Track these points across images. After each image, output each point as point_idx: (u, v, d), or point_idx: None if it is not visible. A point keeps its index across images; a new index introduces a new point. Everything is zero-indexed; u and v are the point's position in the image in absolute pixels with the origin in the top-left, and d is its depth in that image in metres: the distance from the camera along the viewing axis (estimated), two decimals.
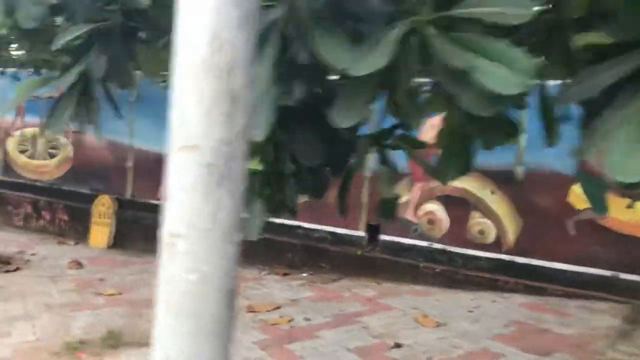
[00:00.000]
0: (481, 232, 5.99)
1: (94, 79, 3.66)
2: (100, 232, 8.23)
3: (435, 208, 6.24)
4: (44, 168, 9.21)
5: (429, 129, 5.65)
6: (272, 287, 6.14)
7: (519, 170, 5.78)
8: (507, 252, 5.86)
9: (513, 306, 5.28)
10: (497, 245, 5.91)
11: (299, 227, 7.01)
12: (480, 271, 5.94)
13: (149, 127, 8.15)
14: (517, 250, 5.80)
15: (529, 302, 5.36)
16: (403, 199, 6.40)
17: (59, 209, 8.88)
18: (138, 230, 8.14)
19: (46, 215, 9.02)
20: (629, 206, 5.33)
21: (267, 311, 5.24)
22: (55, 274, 6.51)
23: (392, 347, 4.26)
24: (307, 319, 4.98)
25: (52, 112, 4.05)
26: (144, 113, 8.15)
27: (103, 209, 8.26)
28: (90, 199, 8.50)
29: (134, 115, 8.21)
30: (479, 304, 5.35)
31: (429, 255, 6.24)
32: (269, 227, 7.05)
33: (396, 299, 5.61)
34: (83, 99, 3.99)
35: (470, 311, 5.15)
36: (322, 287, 6.16)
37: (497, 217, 5.90)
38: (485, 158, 5.50)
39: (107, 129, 8.27)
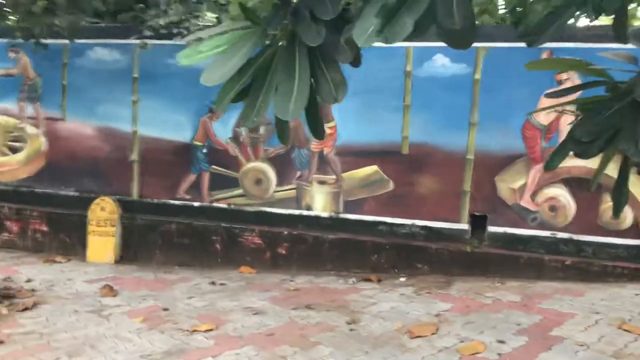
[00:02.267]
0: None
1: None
2: (102, 243, 6.54)
3: (558, 192, 5.48)
4: (4, 166, 7.20)
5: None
6: (387, 299, 5.04)
7: None
8: None
9: None
10: (635, 231, 5.30)
11: (380, 222, 5.93)
12: (618, 260, 5.30)
13: (158, 110, 6.57)
14: None
15: None
16: (518, 184, 5.58)
17: (33, 217, 6.99)
18: (152, 238, 6.58)
19: (12, 226, 7.08)
20: None
21: (432, 334, 4.18)
22: (95, 307, 4.92)
23: None
24: (501, 341, 4.00)
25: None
26: (151, 91, 6.56)
27: (104, 214, 6.56)
28: (79, 202, 6.74)
29: (137, 95, 6.60)
30: None
31: (553, 246, 5.48)
32: (342, 224, 5.93)
33: (557, 301, 4.78)
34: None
35: None
36: (443, 293, 5.17)
37: (635, 199, 5.27)
38: None
39: (100, 113, 6.65)
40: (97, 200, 6.59)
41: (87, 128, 6.75)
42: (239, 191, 6.38)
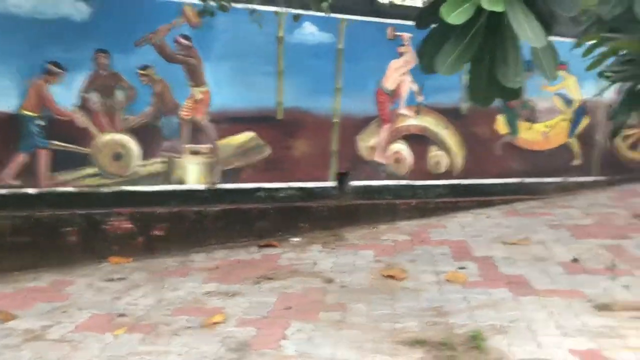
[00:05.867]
0: (437, 164, 6.72)
1: None
2: None
3: (401, 147, 6.52)
4: None
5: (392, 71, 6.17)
6: (317, 258, 5.22)
7: (464, 106, 6.75)
8: (457, 177, 6.82)
9: (508, 218, 6.41)
10: (449, 173, 6.79)
11: (260, 189, 5.93)
12: (442, 197, 6.71)
13: None
14: (464, 174, 6.84)
15: (502, 214, 6.60)
16: (372, 142, 6.38)
17: None
18: None
19: None
20: (529, 127, 7.18)
21: (408, 275, 4.72)
22: (26, 335, 3.65)
23: (571, 260, 4.89)
24: (461, 267, 4.83)
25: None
26: None
27: None
28: None
29: None
30: (495, 222, 6.23)
31: (398, 192, 6.53)
32: (221, 195, 5.96)
33: (438, 234, 5.85)
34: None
35: (507, 227, 6.03)
36: (349, 244, 5.65)
37: (449, 149, 6.74)
38: (439, 97, 6.44)
39: None
40: None
41: None
42: (92, 170, 5.31)
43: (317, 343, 3.50)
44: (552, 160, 7.28)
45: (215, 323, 3.80)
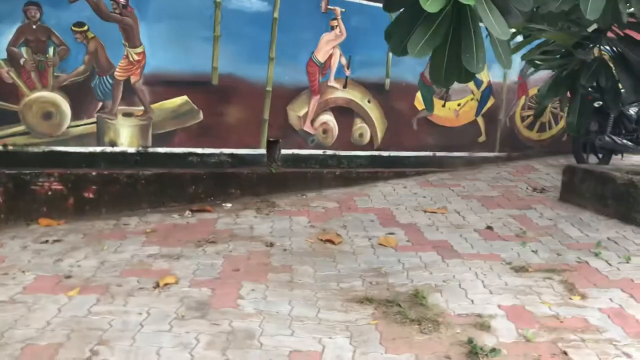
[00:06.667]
0: (360, 135, 7.05)
1: None
2: None
3: (328, 118, 6.76)
4: None
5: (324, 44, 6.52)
6: (253, 223, 5.37)
7: (387, 82, 7.11)
8: (378, 149, 7.20)
9: (423, 188, 6.89)
10: (371, 145, 7.15)
11: (191, 154, 5.96)
12: (363, 167, 7.07)
13: None
14: (384, 146, 7.24)
15: (417, 184, 7.07)
16: (302, 112, 6.57)
17: None
18: None
19: None
20: (443, 105, 7.69)
21: (340, 243, 5.00)
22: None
23: (485, 228, 5.42)
24: (391, 233, 5.21)
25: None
26: None
27: None
28: None
29: None
30: (412, 192, 6.68)
31: (324, 161, 6.79)
32: (152, 159, 6.07)
33: (364, 202, 6.20)
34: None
35: (424, 197, 6.50)
36: (280, 210, 5.85)
37: (372, 122, 7.09)
38: (365, 72, 6.84)
39: None
40: None
41: None
42: (20, 128, 5.07)
43: (272, 301, 3.70)
44: (461, 136, 7.87)
45: (167, 284, 3.89)
